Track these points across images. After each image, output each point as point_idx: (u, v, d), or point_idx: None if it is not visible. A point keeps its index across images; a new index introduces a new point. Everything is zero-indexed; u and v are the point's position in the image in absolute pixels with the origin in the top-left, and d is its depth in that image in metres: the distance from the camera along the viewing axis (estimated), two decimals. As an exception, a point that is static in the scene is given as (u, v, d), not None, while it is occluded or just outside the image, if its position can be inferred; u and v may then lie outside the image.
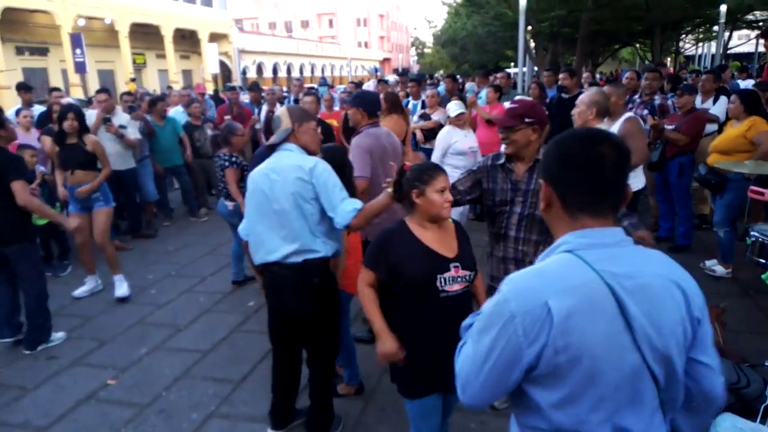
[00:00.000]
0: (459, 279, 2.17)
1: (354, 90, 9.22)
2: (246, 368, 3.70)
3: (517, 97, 5.57)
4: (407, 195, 2.21)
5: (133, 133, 6.39)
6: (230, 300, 4.89)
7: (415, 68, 52.34)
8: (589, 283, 1.15)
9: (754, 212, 4.68)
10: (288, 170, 2.57)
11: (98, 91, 6.51)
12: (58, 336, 4.18)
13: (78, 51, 22.04)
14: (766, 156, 4.42)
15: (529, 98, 5.35)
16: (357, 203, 2.60)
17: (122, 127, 6.21)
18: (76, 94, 20.94)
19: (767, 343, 3.46)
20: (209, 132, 7.57)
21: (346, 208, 2.56)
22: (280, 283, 2.68)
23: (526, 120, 2.58)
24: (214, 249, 6.23)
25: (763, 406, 2.82)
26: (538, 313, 1.13)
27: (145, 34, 28.44)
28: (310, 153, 2.70)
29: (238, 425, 3.14)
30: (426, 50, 60.07)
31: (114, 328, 4.41)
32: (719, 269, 4.74)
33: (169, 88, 16.60)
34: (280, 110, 2.77)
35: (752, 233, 3.20)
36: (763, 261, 3.10)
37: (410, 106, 7.91)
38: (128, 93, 7.85)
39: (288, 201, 2.55)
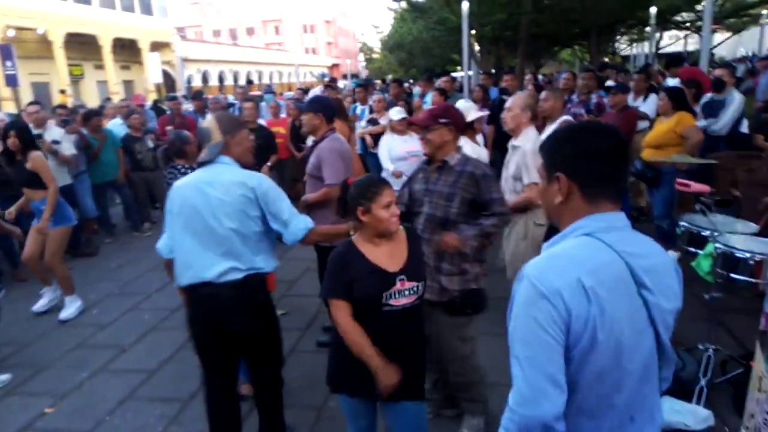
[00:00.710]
0: (406, 292, 2.10)
1: (302, 96, 9.16)
2: (195, 385, 3.58)
3: (460, 101, 5.67)
4: (352, 212, 2.13)
5: (68, 148, 6.12)
6: (177, 316, 4.74)
7: (363, 73, 52.46)
8: (613, 263, 1.23)
9: (685, 203, 4.91)
10: (230, 186, 2.43)
11: (29, 104, 6.21)
12: (2, 378, 3.82)
13: (9, 63, 20.84)
14: (695, 148, 4.65)
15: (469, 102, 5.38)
16: (308, 222, 2.60)
17: (55, 142, 5.94)
18: (8, 108, 19.89)
19: (700, 328, 3.62)
20: (150, 144, 7.34)
21: (298, 226, 2.55)
22: (215, 303, 2.46)
23: (441, 120, 2.66)
24: (159, 264, 5.94)
25: (698, 388, 2.97)
26: (573, 290, 1.18)
27: (82, 44, 27.34)
28: (244, 166, 2.56)
29: (186, 445, 3.05)
30: (374, 55, 60.32)
31: (52, 353, 4.20)
32: (671, 254, 4.97)
33: (107, 99, 15.99)
34: (208, 121, 2.56)
35: (681, 223, 3.35)
36: (692, 249, 3.25)
37: (358, 111, 7.92)
38: (61, 106, 7.51)
39: (230, 217, 2.42)
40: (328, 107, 3.80)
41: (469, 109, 4.68)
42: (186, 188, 2.49)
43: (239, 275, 2.47)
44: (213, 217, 2.42)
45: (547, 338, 1.18)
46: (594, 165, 1.31)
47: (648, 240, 1.35)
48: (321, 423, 3.16)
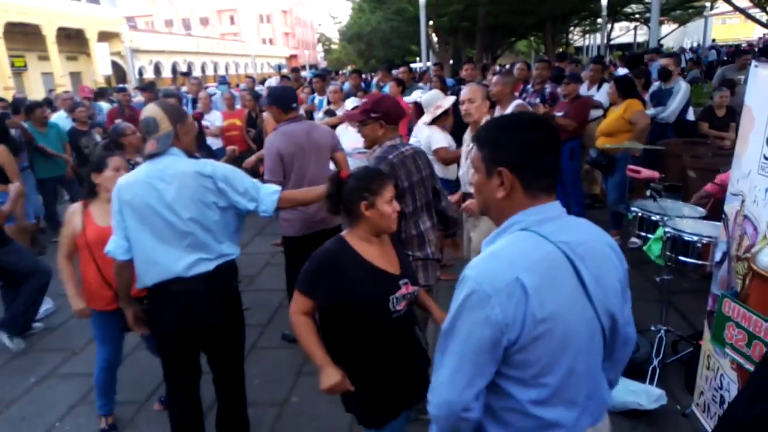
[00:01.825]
0: (408, 296, 1.99)
1: (252, 86, 8.96)
2: (151, 386, 3.48)
3: (416, 92, 5.66)
4: (353, 208, 1.96)
5: (9, 142, 5.80)
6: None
7: (322, 64, 51.95)
8: (550, 255, 1.24)
9: (637, 189, 5.06)
10: (183, 177, 2.33)
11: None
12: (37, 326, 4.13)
13: (-58, 54, 19.73)
14: (643, 132, 4.80)
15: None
16: (276, 187, 2.53)
17: (-5, 136, 5.62)
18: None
19: (654, 310, 3.74)
20: (98, 138, 7.04)
21: (267, 192, 2.47)
22: (189, 299, 2.38)
23: (372, 115, 2.65)
24: (113, 262, 5.80)
25: (650, 368, 3.07)
26: (512, 290, 1.18)
27: (24, 35, 25.97)
28: (190, 155, 2.45)
29: (142, 449, 2.95)
30: (333, 46, 59.81)
31: (-3, 358, 3.99)
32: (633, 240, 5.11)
33: (51, 91, 15.26)
34: (154, 111, 2.41)
35: (632, 209, 3.44)
36: (643, 234, 3.35)
37: (316, 101, 7.82)
38: (-1, 99, 7.12)
39: (188, 209, 2.33)
40: (280, 97, 3.69)
41: (436, 97, 4.66)
42: (135, 186, 2.35)
43: (210, 266, 2.40)
44: (170, 212, 2.33)
45: (481, 344, 1.20)
46: (535, 157, 1.30)
47: (584, 224, 1.36)
48: (283, 419, 3.11)
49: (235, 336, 2.64)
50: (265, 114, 7.53)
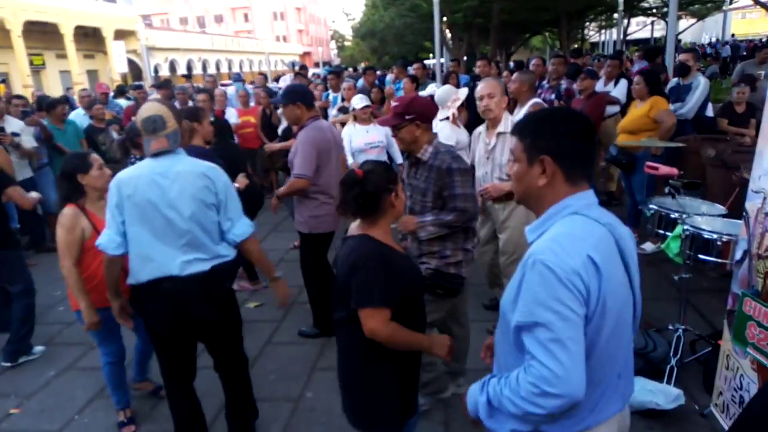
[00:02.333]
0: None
1: (264, 83, 8.99)
2: (159, 381, 3.51)
3: (431, 86, 5.63)
4: (380, 202, 1.90)
5: (28, 140, 5.89)
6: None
7: (335, 61, 51.96)
8: (605, 236, 1.33)
9: (656, 186, 5.00)
10: (187, 176, 2.38)
11: (-15, 95, 5.95)
12: (39, 349, 3.97)
13: (-37, 53, 20.06)
14: (668, 132, 4.67)
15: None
16: (251, 227, 2.59)
17: (15, 134, 5.71)
18: (-35, 100, 19.07)
19: (671, 308, 3.70)
20: (115, 135, 7.11)
21: (243, 227, 2.55)
22: (181, 297, 2.39)
23: (407, 117, 2.63)
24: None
25: (668, 367, 3.03)
26: (588, 267, 1.24)
27: (43, 33, 26.33)
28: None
29: (159, 442, 2.98)
30: (346, 43, 59.73)
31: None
32: (648, 246, 5.04)
33: (68, 89, 15.44)
34: (159, 109, 2.42)
35: (650, 206, 3.40)
36: (661, 231, 3.30)
37: (330, 98, 7.83)
38: (18, 96, 7.20)
39: (190, 208, 2.36)
40: (305, 94, 3.78)
41: (450, 92, 4.63)
42: (138, 181, 2.35)
43: (205, 266, 2.42)
44: (172, 209, 2.35)
45: (575, 319, 1.22)
46: (576, 147, 1.38)
47: (608, 211, 1.44)
48: (297, 415, 3.13)
49: (230, 329, 2.67)
50: (280, 111, 7.56)
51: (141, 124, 2.40)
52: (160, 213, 2.34)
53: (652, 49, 8.24)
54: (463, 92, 4.56)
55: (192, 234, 2.38)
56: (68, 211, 2.82)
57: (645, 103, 4.82)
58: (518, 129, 1.44)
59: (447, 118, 4.39)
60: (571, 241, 1.27)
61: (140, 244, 2.37)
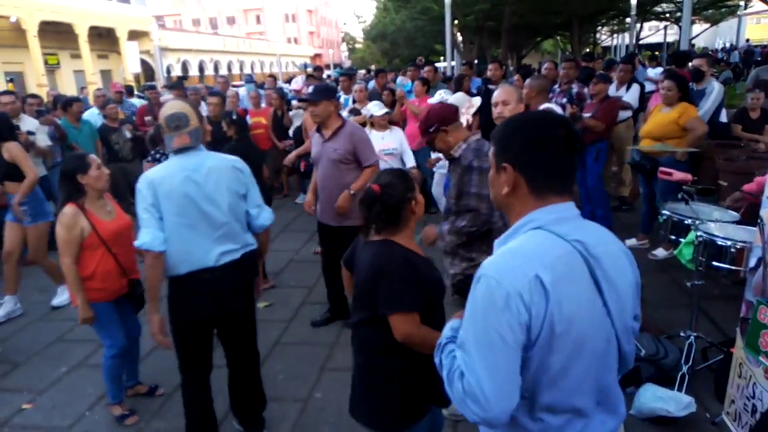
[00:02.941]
0: None
1: (274, 85, 9.04)
2: (177, 379, 3.50)
3: (440, 91, 5.64)
4: (402, 212, 1.90)
5: (43, 139, 5.95)
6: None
7: (346, 63, 52.08)
8: (567, 254, 1.21)
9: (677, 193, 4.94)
10: (223, 170, 2.52)
11: (1, 93, 6.01)
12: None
13: (-20, 52, 20.31)
14: (698, 141, 4.52)
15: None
16: (273, 216, 2.78)
17: (30, 133, 5.77)
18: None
19: (682, 315, 3.67)
20: (128, 134, 7.18)
21: (267, 215, 2.72)
22: (217, 287, 2.51)
23: (431, 130, 2.69)
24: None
25: (680, 375, 3.00)
26: (533, 286, 1.15)
27: (58, 33, 26.64)
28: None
29: (169, 440, 3.00)
30: (357, 45, 59.90)
31: (30, 348, 4.10)
32: (660, 252, 4.99)
33: (83, 89, 15.60)
34: (182, 106, 2.49)
35: (663, 211, 3.37)
36: (674, 237, 3.28)
37: (342, 100, 7.85)
38: (33, 95, 7.28)
39: (227, 200, 2.51)
40: (335, 91, 4.01)
41: (464, 100, 4.65)
42: (171, 179, 2.42)
43: (237, 255, 2.57)
44: (210, 203, 2.47)
45: (505, 343, 1.16)
46: (541, 157, 1.27)
47: (597, 227, 1.35)
48: (306, 415, 3.13)
49: (252, 319, 2.83)
50: (292, 112, 7.60)
51: (164, 121, 2.46)
52: (198, 207, 2.45)
53: (680, 54, 8.06)
54: (477, 100, 4.60)
55: (229, 225, 2.53)
56: (68, 210, 2.86)
57: (673, 109, 4.63)
58: (492, 133, 1.39)
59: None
60: (520, 259, 1.19)
61: (180, 239, 2.45)
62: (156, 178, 2.43)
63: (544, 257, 1.19)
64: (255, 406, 2.91)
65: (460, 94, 4.88)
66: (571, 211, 1.29)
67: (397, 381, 1.95)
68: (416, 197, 1.95)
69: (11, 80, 20.42)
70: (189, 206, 2.44)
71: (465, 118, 4.42)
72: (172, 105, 2.52)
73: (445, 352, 1.34)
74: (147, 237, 2.42)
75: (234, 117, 4.75)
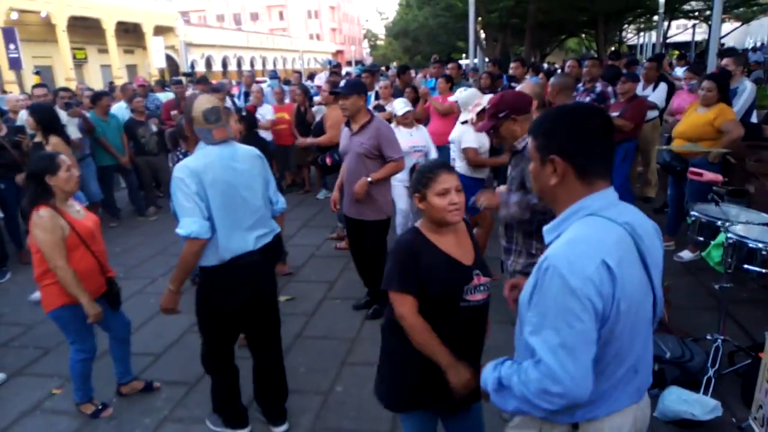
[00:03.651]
0: (481, 288, 1.97)
1: (299, 80, 9.10)
2: (200, 369, 3.53)
3: (461, 89, 5.60)
4: (413, 200, 2.03)
5: (73, 132, 6.09)
6: (183, 300, 4.71)
7: (368, 60, 52.09)
8: (622, 238, 1.31)
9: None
10: (251, 159, 2.69)
11: (35, 86, 6.17)
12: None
13: (12, 46, 20.80)
14: (732, 144, 4.39)
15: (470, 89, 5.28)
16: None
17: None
18: (12, 91, 19.82)
19: (709, 318, 3.62)
20: (154, 128, 7.29)
21: (282, 200, 2.92)
22: (254, 271, 2.66)
23: (500, 115, 2.63)
24: (165, 249, 6.02)
25: (706, 378, 2.96)
26: (602, 273, 1.23)
27: (86, 28, 27.16)
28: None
29: (192, 428, 3.06)
30: (379, 42, 59.83)
31: (59, 335, 4.12)
32: (686, 254, 4.91)
33: (111, 83, 15.91)
34: (214, 100, 2.60)
35: (692, 213, 3.32)
36: (702, 239, 3.23)
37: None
38: (64, 89, 7.45)
39: (259, 186, 2.69)
40: (365, 86, 4.01)
41: (474, 96, 4.62)
42: (213, 167, 2.51)
43: (269, 238, 2.73)
44: (248, 189, 2.61)
45: (583, 327, 1.23)
46: (587, 145, 1.35)
47: (634, 208, 1.43)
48: (327, 408, 3.16)
49: (277, 304, 2.97)
50: (314, 108, 7.63)
51: (203, 115, 2.52)
52: (239, 194, 2.57)
53: (658, 56, 7.86)
54: (486, 98, 4.57)
55: (262, 209, 2.71)
56: (45, 213, 2.80)
57: (710, 110, 4.48)
58: (532, 128, 1.46)
59: (466, 122, 4.46)
60: (585, 247, 1.26)
61: (225, 225, 2.54)
62: (198, 167, 2.48)
63: (606, 243, 1.27)
64: (279, 395, 2.98)
65: (473, 90, 4.87)
66: (614, 195, 1.38)
67: (390, 360, 2.08)
68: (426, 196, 1.93)
69: (38, 72, 20.86)
70: (231, 193, 2.54)
71: (471, 115, 4.43)
72: (206, 99, 2.59)
73: (504, 367, 1.40)
74: (194, 226, 2.45)
75: (243, 114, 4.92)
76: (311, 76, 13.28)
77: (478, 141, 4.41)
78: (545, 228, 1.41)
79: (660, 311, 1.44)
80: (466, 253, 2.00)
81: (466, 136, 4.39)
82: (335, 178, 5.27)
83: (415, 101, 6.97)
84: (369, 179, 3.84)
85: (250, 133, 4.94)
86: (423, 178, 1.96)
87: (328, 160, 5.29)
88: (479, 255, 2.06)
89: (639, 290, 1.31)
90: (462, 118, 4.56)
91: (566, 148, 1.35)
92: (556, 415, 1.36)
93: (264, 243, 2.69)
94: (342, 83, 4.67)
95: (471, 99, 4.56)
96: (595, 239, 1.28)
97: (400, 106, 5.04)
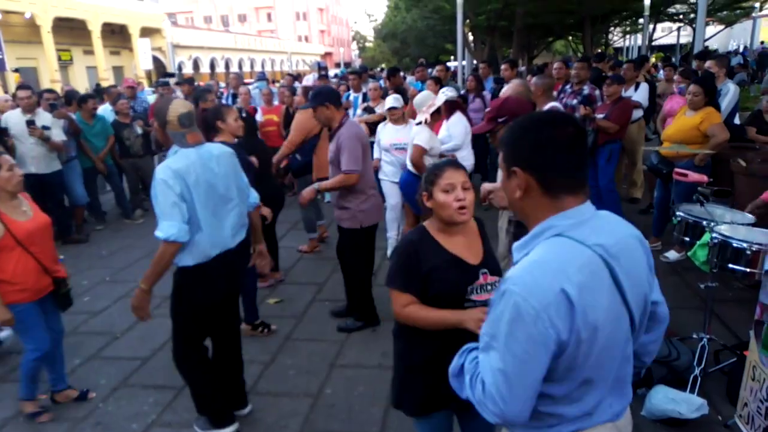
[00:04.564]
0: (488, 287, 1.93)
1: (291, 82, 9.07)
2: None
3: (447, 89, 5.64)
4: (420, 200, 1.99)
5: (58, 134, 6.01)
6: (169, 304, 4.69)
7: (357, 62, 52.13)
8: (589, 261, 1.21)
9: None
10: (227, 157, 2.76)
11: (19, 87, 6.08)
12: (3, 335, 3.90)
13: (-5, 47, 20.51)
14: (717, 147, 4.44)
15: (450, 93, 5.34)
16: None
17: (45, 128, 5.83)
18: (-5, 93, 19.54)
19: (695, 317, 3.66)
20: (139, 130, 7.23)
21: (254, 191, 3.06)
22: (233, 266, 2.80)
23: (500, 120, 2.65)
24: (152, 251, 5.84)
25: (692, 377, 2.99)
26: (559, 302, 1.15)
27: (71, 29, 26.88)
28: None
29: (181, 432, 3.03)
30: (367, 44, 59.89)
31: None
32: (672, 254, 4.95)
33: (98, 84, 15.76)
34: (188, 105, 2.66)
35: (678, 213, 3.35)
36: (687, 239, 3.26)
37: (351, 98, 7.86)
38: (49, 90, 7.35)
39: (236, 183, 2.78)
40: (332, 95, 3.84)
41: (428, 98, 4.75)
42: (194, 167, 2.56)
43: (244, 233, 2.86)
44: (226, 189, 2.70)
45: (528, 357, 1.18)
46: (549, 157, 1.24)
47: (612, 220, 1.34)
48: (316, 410, 3.15)
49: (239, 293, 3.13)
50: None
51: (178, 119, 2.55)
52: (218, 192, 2.65)
53: (640, 57, 7.96)
54: (440, 99, 4.70)
55: (239, 207, 2.80)
56: None
57: (696, 114, 4.51)
58: (500, 139, 1.39)
59: (421, 123, 4.54)
60: (544, 273, 1.18)
61: (208, 224, 2.61)
62: (181, 168, 2.50)
63: (568, 268, 1.18)
64: (242, 382, 3.09)
65: (426, 92, 5.03)
66: (588, 212, 1.27)
67: (398, 361, 2.07)
68: (432, 193, 1.91)
69: (17, 70, 20.58)
70: (212, 192, 2.61)
71: (424, 116, 4.51)
72: (181, 104, 2.62)
73: (469, 357, 1.37)
74: (172, 229, 2.46)
75: (243, 115, 4.76)
76: (298, 77, 13.26)
77: (430, 143, 4.49)
78: (514, 245, 1.34)
79: (642, 324, 1.36)
80: (474, 252, 1.96)
81: (421, 135, 4.48)
82: (307, 181, 5.29)
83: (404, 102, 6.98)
84: (316, 187, 3.85)
85: (249, 136, 4.64)
86: (430, 175, 1.95)
87: (283, 163, 5.26)
88: (489, 254, 2.03)
89: (608, 315, 1.22)
90: (417, 119, 4.65)
91: (527, 160, 1.26)
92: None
93: (240, 239, 2.81)
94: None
95: (425, 100, 4.67)
96: (556, 266, 1.19)
97: (389, 102, 5.09)
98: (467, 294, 1.90)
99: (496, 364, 1.21)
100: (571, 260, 1.20)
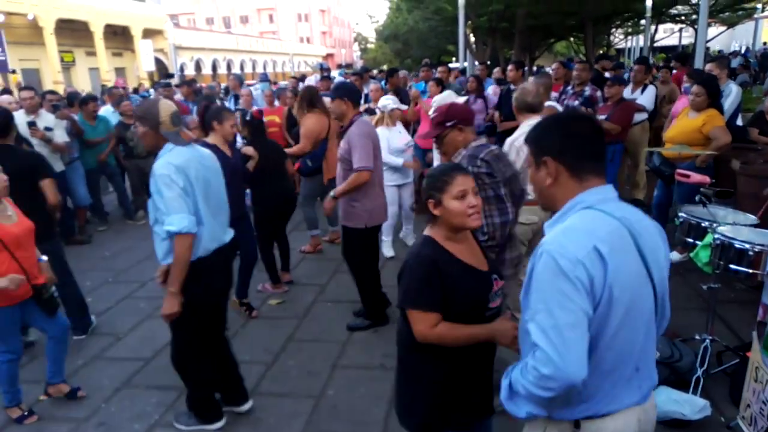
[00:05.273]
0: (498, 293, 1.90)
1: (296, 85, 9.08)
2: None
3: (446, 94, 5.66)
4: (426, 206, 1.89)
5: (60, 135, 6.02)
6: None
7: (358, 63, 52.16)
8: (617, 229, 1.36)
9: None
10: (212, 158, 2.85)
11: (22, 89, 6.10)
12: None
13: (-2, 48, 20.58)
14: (720, 150, 4.41)
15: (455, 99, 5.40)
16: None
17: (48, 129, 5.84)
18: (-2, 94, 19.58)
19: (696, 318, 3.65)
20: (142, 131, 7.23)
21: None
22: (228, 261, 2.92)
23: (447, 124, 2.69)
24: (154, 252, 5.95)
25: (695, 378, 2.99)
26: (593, 257, 1.29)
27: (73, 31, 26.98)
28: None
29: (183, 433, 3.03)
30: (369, 45, 59.91)
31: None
32: (674, 255, 4.95)
33: (103, 86, 15.81)
34: (172, 105, 2.73)
35: (680, 214, 3.35)
36: (690, 240, 3.26)
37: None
38: (51, 92, 7.37)
39: (221, 182, 2.88)
40: (353, 92, 3.91)
41: (450, 97, 4.79)
42: (194, 163, 2.63)
43: (233, 231, 2.95)
44: (218, 185, 2.81)
45: (574, 307, 1.27)
46: (576, 144, 1.44)
47: (633, 208, 1.48)
48: (319, 411, 3.15)
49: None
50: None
51: (170, 118, 2.60)
52: (214, 188, 2.74)
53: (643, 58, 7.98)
54: (461, 100, 4.83)
55: (227, 204, 2.90)
56: None
57: (699, 116, 4.48)
58: (527, 138, 1.55)
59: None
60: (578, 233, 1.33)
61: (207, 219, 2.67)
62: (182, 163, 2.55)
63: (599, 231, 1.33)
64: (240, 377, 3.12)
65: (448, 92, 5.09)
66: (612, 193, 1.44)
67: (421, 383, 1.91)
68: (442, 201, 1.83)
69: (13, 71, 20.60)
70: (209, 188, 2.69)
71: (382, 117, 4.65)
72: (169, 104, 2.68)
73: (512, 371, 1.44)
74: (185, 221, 2.49)
75: (248, 117, 4.72)
76: (302, 78, 13.27)
77: (387, 142, 4.69)
78: (546, 223, 1.47)
79: (666, 312, 1.48)
80: (480, 259, 1.93)
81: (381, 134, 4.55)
82: (314, 181, 5.30)
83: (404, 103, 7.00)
84: (333, 195, 3.83)
85: (259, 138, 4.57)
86: (437, 182, 1.84)
87: (295, 166, 5.26)
88: (490, 258, 2.01)
89: (635, 280, 1.35)
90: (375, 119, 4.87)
91: (556, 149, 1.44)
92: (555, 409, 1.39)
93: (231, 235, 2.91)
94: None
95: (446, 100, 4.71)
96: (589, 228, 1.34)
97: (386, 101, 5.12)
98: (488, 303, 1.86)
99: (546, 322, 1.29)
100: (601, 226, 1.35)
